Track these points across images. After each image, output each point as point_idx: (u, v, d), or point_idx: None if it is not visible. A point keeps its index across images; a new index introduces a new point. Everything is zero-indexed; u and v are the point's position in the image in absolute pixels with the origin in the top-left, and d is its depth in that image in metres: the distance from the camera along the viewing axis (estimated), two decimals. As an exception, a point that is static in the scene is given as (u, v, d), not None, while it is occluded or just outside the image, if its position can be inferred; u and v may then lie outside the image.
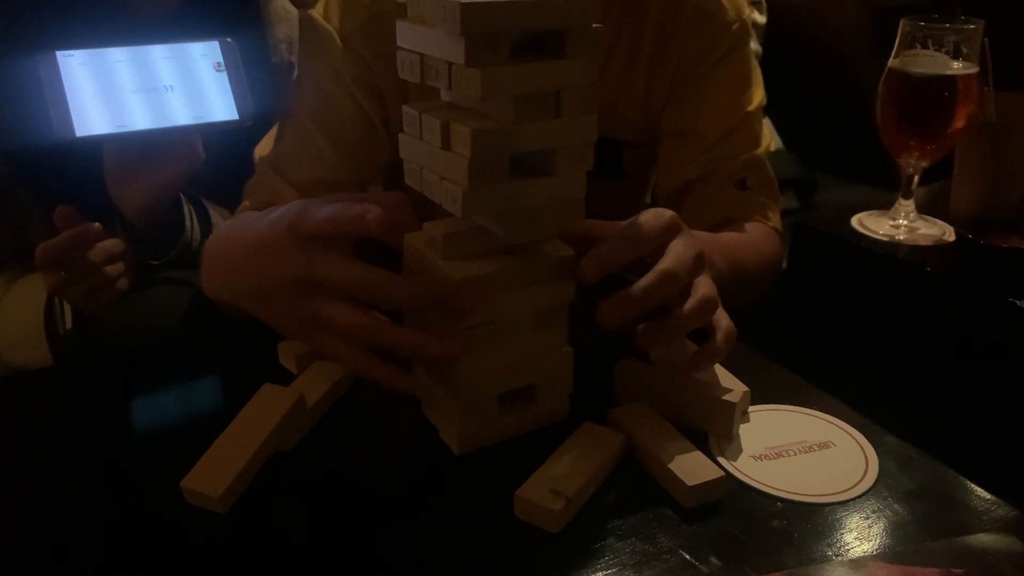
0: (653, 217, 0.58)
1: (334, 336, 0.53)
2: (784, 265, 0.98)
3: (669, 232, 0.58)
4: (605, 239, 0.56)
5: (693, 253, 0.58)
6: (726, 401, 0.57)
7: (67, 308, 0.81)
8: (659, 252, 0.57)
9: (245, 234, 0.58)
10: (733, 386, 0.60)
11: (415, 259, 0.58)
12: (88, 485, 0.57)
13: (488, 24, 0.47)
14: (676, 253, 0.57)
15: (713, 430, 0.58)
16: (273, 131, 0.90)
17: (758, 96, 0.90)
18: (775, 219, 0.90)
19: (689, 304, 0.57)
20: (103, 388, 0.68)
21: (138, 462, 0.59)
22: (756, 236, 0.87)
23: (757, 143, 0.90)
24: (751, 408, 0.61)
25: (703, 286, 0.58)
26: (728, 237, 0.84)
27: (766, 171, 0.90)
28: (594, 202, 0.55)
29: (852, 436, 0.58)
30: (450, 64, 0.50)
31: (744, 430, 0.59)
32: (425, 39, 0.51)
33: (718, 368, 0.64)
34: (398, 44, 0.54)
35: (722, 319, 0.60)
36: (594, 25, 0.51)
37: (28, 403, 0.69)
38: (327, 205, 0.54)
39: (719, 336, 0.59)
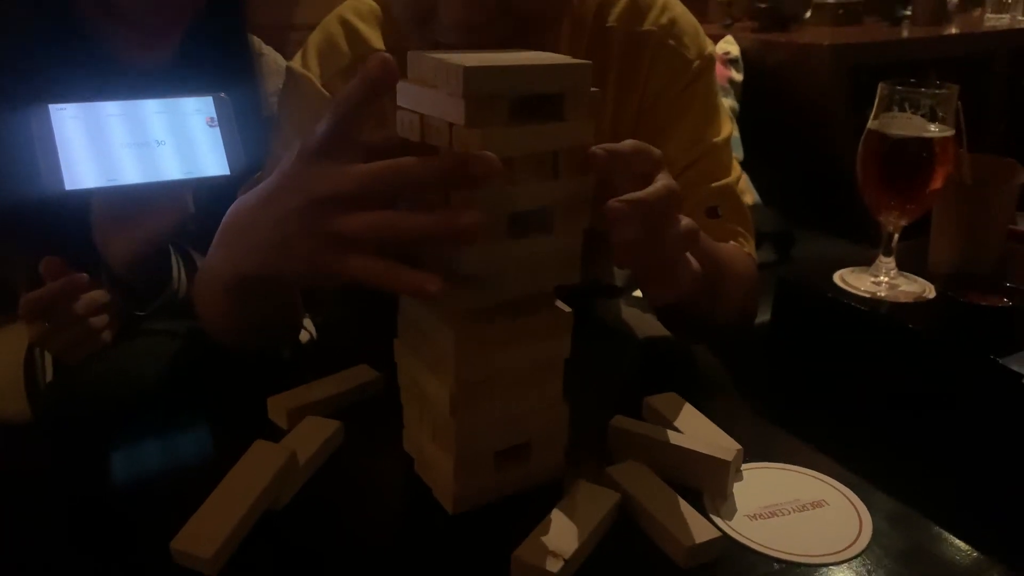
0: (650, 147, 0.59)
1: (356, 253, 0.50)
2: (768, 317, 0.99)
3: (662, 164, 0.59)
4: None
5: (681, 193, 0.59)
6: (720, 460, 0.58)
7: (48, 361, 0.79)
8: (648, 179, 0.57)
9: (257, 191, 0.56)
10: (726, 444, 0.61)
11: (410, 314, 0.58)
12: (73, 544, 0.55)
13: (489, 87, 0.48)
14: (672, 180, 0.58)
15: (707, 488, 0.58)
16: (256, 177, 0.90)
17: (725, 129, 0.91)
18: (749, 247, 0.91)
19: (682, 225, 0.58)
20: (86, 442, 0.67)
21: (125, 521, 0.57)
22: (730, 250, 0.87)
23: (727, 173, 0.90)
24: (744, 466, 0.61)
25: (687, 220, 0.59)
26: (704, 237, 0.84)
27: (737, 200, 0.91)
28: None
29: (844, 495, 0.58)
30: (451, 124, 0.50)
31: (738, 488, 0.59)
32: (426, 100, 0.52)
33: (710, 426, 0.64)
34: (398, 104, 0.55)
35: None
36: (592, 89, 0.53)
37: (7, 457, 0.67)
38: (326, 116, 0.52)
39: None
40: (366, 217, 0.50)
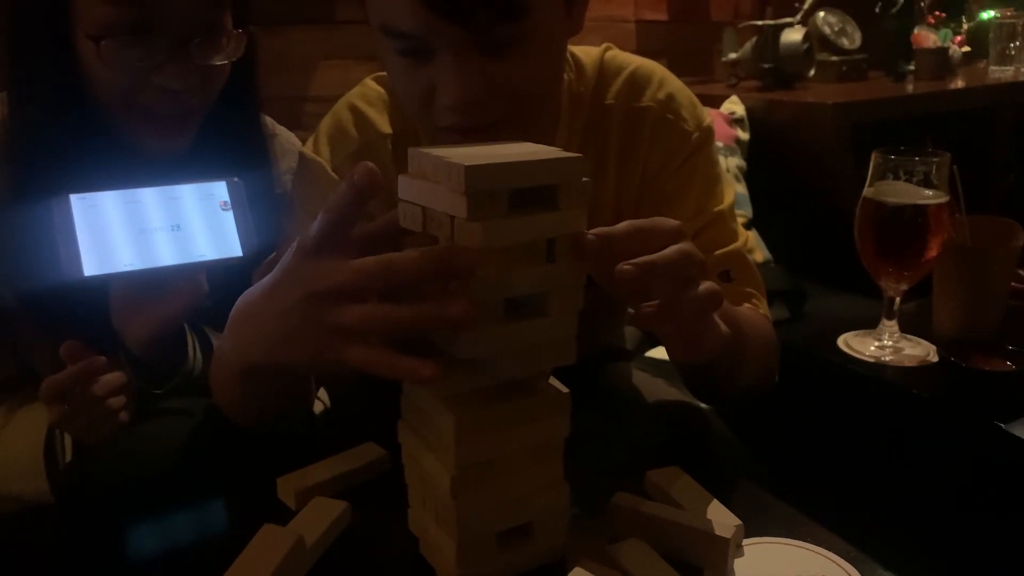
0: (661, 220, 0.60)
1: (355, 343, 0.53)
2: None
3: (678, 235, 0.59)
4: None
5: (702, 256, 0.59)
6: (720, 536, 0.58)
7: (68, 442, 0.82)
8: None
9: (262, 284, 0.60)
10: (726, 520, 0.61)
11: (412, 396, 0.60)
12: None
13: (489, 183, 0.51)
14: (689, 245, 0.59)
15: (707, 565, 0.59)
16: (271, 257, 0.93)
17: (728, 198, 0.93)
18: (763, 308, 0.92)
19: (702, 289, 0.58)
20: (102, 523, 0.68)
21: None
22: (749, 313, 0.89)
23: (734, 238, 0.92)
24: (746, 541, 0.62)
25: (712, 284, 0.60)
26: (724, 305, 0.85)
27: (747, 264, 0.92)
28: None
29: (845, 570, 0.59)
30: (452, 218, 0.53)
31: (739, 565, 0.59)
32: (427, 194, 0.54)
33: (712, 501, 0.64)
34: (399, 196, 0.57)
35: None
36: (583, 179, 0.55)
37: (28, 536, 0.69)
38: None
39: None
40: (361, 310, 0.53)
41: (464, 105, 0.71)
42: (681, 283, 0.58)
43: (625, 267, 0.55)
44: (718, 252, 0.90)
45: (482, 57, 0.70)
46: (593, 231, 0.56)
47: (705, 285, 0.60)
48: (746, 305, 0.90)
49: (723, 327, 0.64)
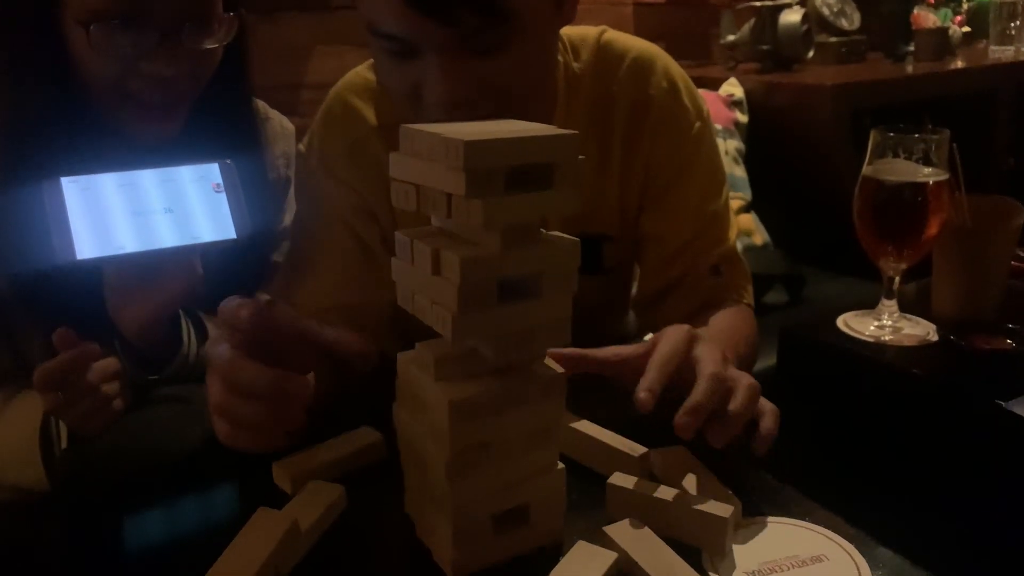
0: (673, 335, 0.65)
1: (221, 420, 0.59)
2: (774, 362, 1.00)
3: (692, 343, 0.65)
4: (647, 369, 0.63)
5: (720, 355, 0.64)
6: (717, 516, 0.58)
7: (63, 429, 0.81)
8: (688, 363, 0.64)
9: None
10: (724, 500, 0.61)
11: (407, 379, 0.59)
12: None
13: (488, 160, 0.50)
14: (710, 359, 0.64)
15: (706, 546, 0.58)
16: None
17: (724, 190, 0.96)
18: (748, 296, 0.97)
19: (741, 396, 0.63)
20: (96, 513, 0.68)
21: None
22: (738, 321, 0.92)
23: (727, 234, 0.96)
24: (744, 520, 0.61)
25: (743, 378, 0.65)
26: (720, 329, 0.89)
27: (737, 258, 0.98)
28: (578, 300, 0.56)
29: (844, 549, 0.58)
30: (449, 195, 0.52)
31: (737, 545, 0.59)
32: (423, 172, 0.54)
33: (713, 481, 0.64)
34: (391, 176, 0.57)
35: (765, 403, 0.67)
36: (579, 157, 0.54)
37: (21, 527, 0.69)
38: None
39: (769, 419, 0.65)
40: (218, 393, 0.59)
41: (450, 104, 0.70)
42: (723, 402, 0.63)
43: (681, 423, 0.60)
44: (713, 252, 0.95)
45: (469, 57, 0.69)
46: (642, 389, 0.61)
47: (742, 386, 0.64)
48: (732, 301, 0.95)
49: (770, 405, 0.67)
